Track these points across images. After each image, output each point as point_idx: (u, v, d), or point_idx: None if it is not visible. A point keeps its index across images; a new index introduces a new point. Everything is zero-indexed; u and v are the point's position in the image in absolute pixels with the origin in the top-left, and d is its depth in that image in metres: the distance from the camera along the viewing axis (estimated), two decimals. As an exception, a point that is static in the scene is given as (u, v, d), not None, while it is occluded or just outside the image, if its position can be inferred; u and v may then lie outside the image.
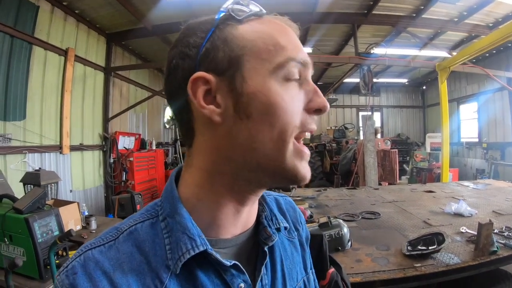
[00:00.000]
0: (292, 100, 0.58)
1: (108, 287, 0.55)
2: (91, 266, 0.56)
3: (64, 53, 5.75)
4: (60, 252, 2.52)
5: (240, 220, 0.66)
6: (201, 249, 0.57)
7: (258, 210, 0.72)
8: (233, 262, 0.61)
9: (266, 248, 0.68)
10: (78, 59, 6.18)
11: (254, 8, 0.62)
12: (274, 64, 0.57)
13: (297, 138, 0.59)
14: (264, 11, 0.63)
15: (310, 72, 0.63)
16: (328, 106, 0.62)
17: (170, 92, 0.63)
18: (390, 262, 2.33)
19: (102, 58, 7.21)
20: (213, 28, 0.59)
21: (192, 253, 0.57)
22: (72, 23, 6.07)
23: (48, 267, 2.40)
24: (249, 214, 0.68)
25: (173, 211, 0.62)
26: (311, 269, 0.84)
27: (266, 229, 0.69)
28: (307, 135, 0.64)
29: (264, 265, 0.67)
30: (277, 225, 0.72)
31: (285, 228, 0.76)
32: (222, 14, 0.60)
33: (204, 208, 0.63)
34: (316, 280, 0.84)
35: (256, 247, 0.69)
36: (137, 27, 6.97)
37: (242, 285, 0.62)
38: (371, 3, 6.51)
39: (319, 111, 0.61)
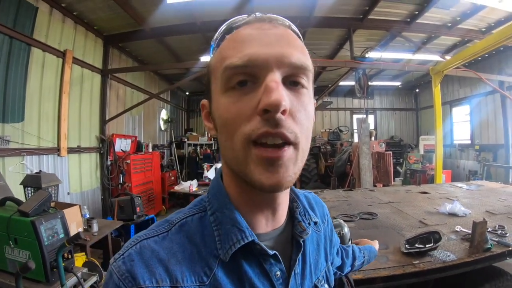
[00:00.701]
0: (237, 109, 0.58)
1: (164, 273, 0.60)
2: (148, 254, 0.62)
3: (62, 55, 5.75)
4: (65, 254, 2.52)
5: (268, 219, 0.71)
6: (250, 239, 0.63)
7: (292, 207, 0.79)
8: (274, 252, 0.67)
9: (301, 241, 0.74)
10: (76, 61, 6.18)
11: (237, 23, 0.66)
12: (221, 79, 0.61)
13: (262, 144, 0.57)
14: (238, 23, 0.65)
15: (270, 69, 0.57)
16: (278, 101, 0.54)
17: None
18: (389, 260, 2.39)
19: (99, 60, 7.20)
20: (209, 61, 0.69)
21: (242, 243, 0.63)
22: (70, 25, 6.07)
23: (55, 270, 2.40)
24: (277, 215, 0.73)
25: (222, 206, 0.68)
26: (332, 260, 0.93)
27: (301, 224, 0.75)
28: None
29: (298, 257, 0.73)
30: (309, 220, 0.78)
31: (315, 223, 0.81)
32: (213, 46, 0.70)
33: (242, 205, 0.69)
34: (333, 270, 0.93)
35: (290, 240, 0.74)
36: (135, 29, 6.97)
37: (279, 273, 0.68)
38: (367, 8, 6.57)
39: (266, 111, 0.55)
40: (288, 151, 0.58)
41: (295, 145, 0.59)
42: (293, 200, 0.80)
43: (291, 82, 0.61)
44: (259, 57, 0.57)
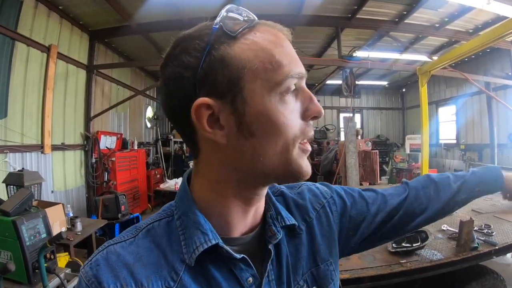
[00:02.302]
0: (291, 114, 0.61)
1: (129, 277, 0.60)
2: (113, 258, 0.62)
3: (46, 49, 5.61)
4: (48, 255, 2.45)
5: (248, 218, 0.70)
6: (213, 242, 0.62)
7: (264, 209, 0.76)
8: (242, 255, 0.65)
9: (270, 246, 0.71)
10: (61, 56, 6.03)
11: (246, 17, 0.61)
12: (272, 83, 0.58)
13: (301, 142, 0.63)
14: (256, 19, 0.62)
15: (304, 80, 0.65)
16: (323, 111, 0.65)
17: (171, 112, 0.65)
18: (376, 259, 2.41)
19: (84, 55, 7.06)
20: (208, 47, 0.58)
21: (205, 246, 0.61)
22: (56, 19, 5.92)
23: (37, 270, 2.33)
24: (256, 212, 0.72)
25: (187, 210, 0.67)
26: (328, 259, 0.82)
27: (271, 228, 0.72)
28: None
29: (270, 262, 0.70)
30: (283, 223, 0.75)
31: (293, 225, 0.77)
32: (215, 31, 0.59)
33: (214, 209, 0.67)
34: (337, 269, 0.84)
35: (263, 245, 0.72)
36: (121, 25, 6.84)
37: (251, 279, 0.66)
38: (356, 7, 6.59)
39: (315, 117, 0.65)
40: None
41: None
42: (266, 202, 0.77)
43: None
44: (304, 71, 0.64)
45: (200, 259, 0.62)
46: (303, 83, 0.64)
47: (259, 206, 0.73)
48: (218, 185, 0.67)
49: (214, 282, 0.63)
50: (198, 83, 0.58)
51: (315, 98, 0.65)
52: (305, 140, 0.64)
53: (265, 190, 0.71)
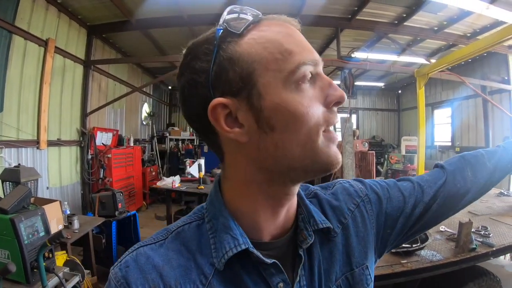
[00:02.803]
0: (310, 102, 0.59)
1: (158, 279, 0.61)
2: (143, 260, 0.63)
3: (44, 43, 5.53)
4: (46, 253, 2.42)
5: (278, 220, 0.68)
6: (243, 247, 0.61)
7: (296, 213, 0.73)
8: (273, 260, 0.63)
9: (301, 251, 0.68)
10: (58, 50, 5.96)
11: (249, 14, 0.62)
12: (285, 73, 0.57)
13: (325, 131, 0.61)
14: (260, 14, 0.63)
15: (321, 66, 0.63)
16: (345, 96, 0.62)
17: (190, 118, 0.66)
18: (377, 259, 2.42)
19: (82, 50, 6.98)
20: (215, 49, 0.58)
21: (235, 251, 0.61)
22: (54, 13, 5.84)
23: (35, 270, 2.29)
24: (287, 214, 0.70)
25: (218, 213, 0.67)
26: (363, 262, 0.78)
27: (303, 232, 0.70)
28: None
29: (301, 267, 0.68)
30: (315, 226, 0.72)
31: (327, 228, 0.74)
32: (220, 32, 0.59)
33: (244, 212, 0.66)
34: (372, 273, 0.81)
35: (295, 250, 0.70)
36: (120, 20, 6.79)
37: (281, 284, 0.64)
38: (356, 8, 6.61)
39: (338, 103, 0.62)
40: None
41: None
42: (298, 205, 0.75)
43: None
44: (317, 57, 0.62)
45: (230, 264, 0.62)
46: (320, 70, 0.63)
47: (290, 207, 0.71)
48: (245, 186, 0.66)
49: (244, 286, 0.63)
50: (211, 86, 0.59)
51: (334, 84, 0.62)
52: (331, 128, 0.63)
53: (295, 189, 0.69)
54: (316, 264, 0.71)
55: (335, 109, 0.63)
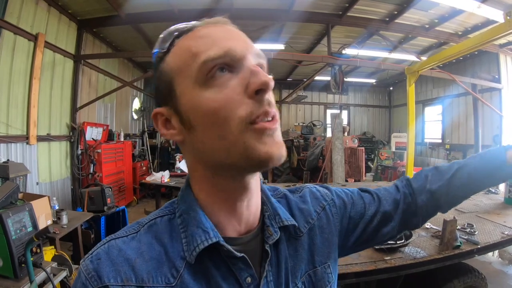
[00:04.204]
0: (225, 96, 0.58)
1: (130, 272, 0.61)
2: (115, 253, 0.64)
3: (34, 38, 5.47)
4: (34, 249, 2.41)
5: (240, 215, 0.70)
6: (214, 240, 0.63)
7: (262, 210, 0.76)
8: (242, 254, 0.65)
9: (267, 247, 0.70)
10: (48, 45, 5.89)
11: (176, 33, 0.66)
12: (194, 74, 0.60)
13: (254, 123, 0.59)
14: (187, 27, 0.66)
15: (247, 58, 0.61)
16: (270, 80, 0.59)
17: None
18: (361, 256, 2.46)
19: (72, 45, 6.92)
20: (154, 67, 0.68)
21: (206, 244, 0.62)
22: (44, 7, 5.78)
23: (23, 265, 2.29)
24: (250, 210, 0.71)
25: (188, 208, 0.68)
26: (326, 261, 0.82)
27: (269, 228, 0.72)
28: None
29: (268, 263, 0.70)
30: (281, 223, 0.74)
31: (292, 226, 0.76)
32: (155, 54, 0.68)
33: (209, 207, 0.68)
34: (334, 272, 0.84)
35: (262, 245, 0.71)
36: (110, 14, 6.74)
37: (249, 278, 0.66)
38: (347, 5, 6.62)
39: (261, 91, 0.59)
40: (278, 125, 0.62)
41: (277, 121, 0.62)
42: (264, 202, 0.77)
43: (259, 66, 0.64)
44: (237, 47, 0.60)
45: (200, 257, 0.63)
46: (244, 61, 0.61)
47: (252, 203, 0.71)
48: (201, 180, 0.69)
49: (213, 280, 0.64)
50: (154, 98, 0.71)
51: (257, 70, 0.59)
52: (265, 119, 0.59)
53: (246, 183, 0.67)
54: (283, 261, 0.73)
55: (266, 97, 0.60)
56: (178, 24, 0.67)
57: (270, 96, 0.61)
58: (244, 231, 0.71)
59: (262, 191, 0.78)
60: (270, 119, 0.60)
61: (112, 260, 0.62)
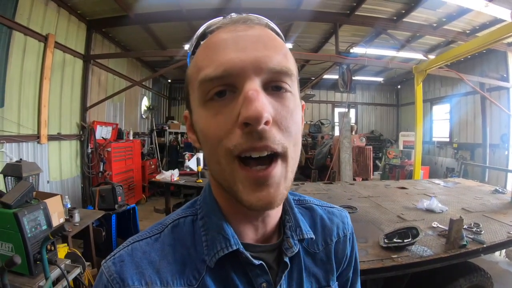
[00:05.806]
0: (217, 123, 0.55)
1: (154, 275, 0.61)
2: (139, 255, 0.63)
3: (44, 39, 5.54)
4: (48, 246, 2.47)
5: (256, 228, 0.69)
6: (234, 248, 0.63)
7: (284, 220, 0.74)
8: (260, 262, 0.65)
9: (286, 259, 0.69)
10: (58, 45, 5.96)
11: (215, 27, 0.62)
12: (196, 91, 0.59)
13: (246, 158, 0.54)
14: (212, 27, 0.62)
15: (247, 77, 0.54)
16: (259, 113, 0.50)
17: None
18: (369, 253, 2.48)
19: (81, 45, 6.98)
20: (187, 71, 0.65)
21: (226, 252, 0.63)
22: (53, 8, 5.84)
23: (38, 262, 2.35)
24: (264, 225, 0.70)
25: (210, 211, 0.68)
26: (333, 283, 0.81)
27: (289, 240, 0.71)
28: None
29: (285, 273, 0.69)
30: (301, 236, 0.72)
31: (311, 239, 0.76)
32: (189, 56, 0.67)
33: (229, 213, 0.68)
34: None
35: (280, 256, 0.70)
36: (119, 15, 6.80)
37: (265, 284, 0.66)
38: (355, 4, 6.62)
39: (247, 124, 0.51)
40: (277, 168, 0.55)
41: (283, 156, 0.56)
42: (286, 211, 0.75)
43: (274, 87, 0.57)
44: (235, 65, 0.53)
45: (220, 262, 0.64)
46: (244, 83, 0.54)
47: (266, 219, 0.69)
48: (217, 188, 0.68)
49: (232, 284, 0.64)
50: (185, 100, 0.69)
51: (251, 99, 0.51)
52: (255, 154, 0.53)
53: None
54: (296, 272, 0.73)
55: (259, 129, 0.51)
56: (209, 22, 0.64)
57: (269, 129, 0.53)
58: (262, 239, 0.70)
59: (286, 199, 0.76)
60: (265, 154, 0.54)
61: (136, 263, 0.62)
